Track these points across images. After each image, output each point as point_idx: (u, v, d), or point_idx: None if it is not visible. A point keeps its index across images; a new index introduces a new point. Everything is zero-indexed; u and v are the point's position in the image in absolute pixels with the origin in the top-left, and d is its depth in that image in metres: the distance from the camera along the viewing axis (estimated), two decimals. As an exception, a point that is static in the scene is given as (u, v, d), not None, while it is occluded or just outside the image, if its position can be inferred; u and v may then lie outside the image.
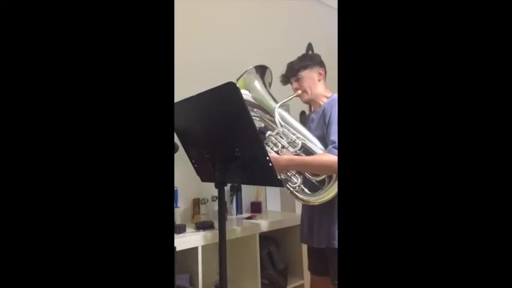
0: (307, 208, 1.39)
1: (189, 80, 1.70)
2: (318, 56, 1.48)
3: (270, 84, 1.47)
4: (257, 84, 1.42)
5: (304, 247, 2.00)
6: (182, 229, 1.63)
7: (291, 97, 1.41)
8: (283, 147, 1.31)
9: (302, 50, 2.76)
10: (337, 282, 1.25)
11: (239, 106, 0.91)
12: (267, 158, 0.94)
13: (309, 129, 1.39)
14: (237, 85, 1.36)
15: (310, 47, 2.82)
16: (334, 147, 1.21)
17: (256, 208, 2.21)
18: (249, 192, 2.26)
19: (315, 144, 1.31)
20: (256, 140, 0.95)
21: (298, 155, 1.29)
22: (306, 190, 1.32)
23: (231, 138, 1.01)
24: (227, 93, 0.91)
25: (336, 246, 1.25)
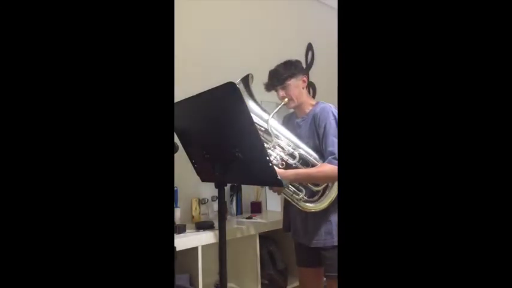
0: (300, 212, 1.44)
1: (189, 80, 1.70)
2: (300, 63, 1.50)
3: (251, 82, 1.47)
4: (247, 99, 1.41)
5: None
6: (182, 229, 1.63)
7: (279, 107, 1.43)
8: (282, 159, 1.35)
9: (302, 50, 2.77)
10: (329, 274, 1.38)
11: (239, 106, 0.91)
12: (267, 158, 0.94)
13: (297, 135, 1.43)
14: None
15: (310, 47, 2.82)
16: (334, 158, 1.29)
17: (256, 208, 2.21)
18: (249, 192, 2.26)
19: (311, 155, 1.37)
20: (256, 140, 0.95)
21: (296, 166, 1.36)
22: (308, 199, 1.39)
23: (231, 138, 1.01)
24: (227, 93, 0.91)
25: (330, 244, 1.36)
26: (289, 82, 1.42)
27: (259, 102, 1.43)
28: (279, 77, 1.42)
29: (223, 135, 1.04)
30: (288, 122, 1.56)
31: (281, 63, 1.47)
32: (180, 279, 1.57)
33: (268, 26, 2.56)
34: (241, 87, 1.38)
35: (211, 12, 2.22)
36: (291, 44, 2.58)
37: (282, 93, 1.43)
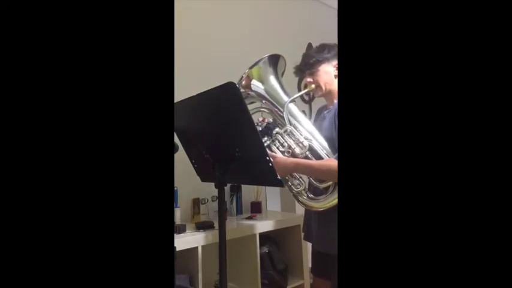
0: (315, 212, 1.34)
1: (189, 80, 1.70)
2: (337, 47, 1.35)
3: (282, 74, 1.38)
4: (270, 75, 1.33)
5: (305, 247, 2.01)
6: (182, 229, 1.63)
7: (302, 92, 1.34)
8: (289, 147, 1.26)
9: (302, 50, 2.76)
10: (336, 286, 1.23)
11: (239, 106, 0.91)
12: (267, 158, 0.94)
13: (320, 127, 1.33)
14: (251, 74, 1.33)
15: (310, 47, 2.82)
16: None
17: (256, 208, 2.21)
18: (249, 192, 2.26)
19: (323, 148, 1.25)
20: (256, 140, 0.95)
21: (305, 157, 1.25)
22: (309, 195, 1.29)
23: (231, 138, 1.01)
24: (227, 93, 0.91)
25: (333, 252, 1.20)
26: (319, 68, 1.30)
27: (284, 86, 1.35)
28: (308, 61, 1.31)
29: (223, 135, 1.04)
30: (320, 114, 1.45)
31: (316, 47, 1.36)
32: (180, 279, 1.57)
33: (268, 26, 2.56)
34: (265, 64, 1.31)
35: (211, 12, 2.22)
36: (291, 44, 2.58)
37: (308, 78, 1.32)
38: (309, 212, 1.41)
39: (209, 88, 0.93)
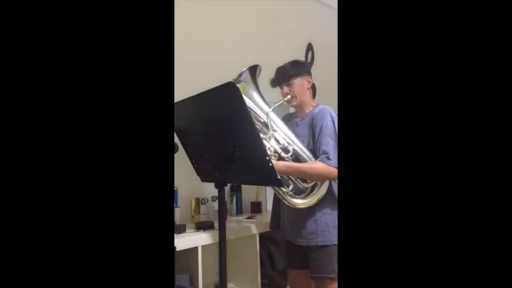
0: (289, 210, 1.46)
1: (189, 80, 1.70)
2: (309, 65, 1.56)
3: (258, 75, 1.51)
4: (251, 88, 1.46)
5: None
6: (182, 229, 1.63)
7: (281, 101, 1.47)
8: (275, 151, 1.38)
9: (302, 50, 2.76)
10: (313, 275, 1.39)
11: (239, 106, 0.91)
12: (267, 158, 0.94)
13: (293, 132, 1.46)
14: None
15: (310, 47, 2.82)
16: (326, 157, 1.32)
17: (256, 208, 2.21)
18: (249, 192, 2.26)
19: (304, 152, 1.40)
20: (256, 140, 0.95)
21: (289, 161, 1.37)
22: (294, 195, 1.41)
23: (231, 138, 1.01)
24: (227, 93, 0.91)
25: (314, 244, 1.38)
26: (294, 80, 1.46)
27: (263, 94, 1.45)
28: (285, 74, 1.47)
29: (223, 135, 1.04)
30: (288, 121, 1.59)
31: (288, 62, 1.51)
32: (180, 279, 1.57)
33: (268, 26, 2.56)
34: (247, 75, 1.41)
35: (211, 12, 2.22)
36: (291, 44, 2.58)
37: (286, 89, 1.48)
38: (283, 210, 1.54)
39: (209, 88, 0.93)
